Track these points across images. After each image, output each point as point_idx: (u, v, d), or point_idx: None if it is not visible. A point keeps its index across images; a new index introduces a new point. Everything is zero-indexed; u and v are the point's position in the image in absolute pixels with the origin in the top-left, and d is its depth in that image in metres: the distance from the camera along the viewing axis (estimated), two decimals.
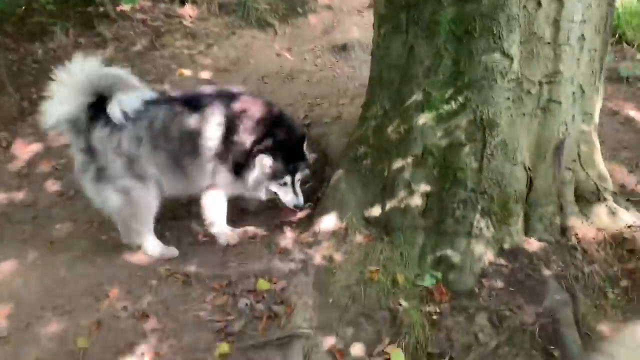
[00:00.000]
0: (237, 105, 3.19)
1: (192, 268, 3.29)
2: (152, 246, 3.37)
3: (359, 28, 7.33)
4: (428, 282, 2.79)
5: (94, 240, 3.70)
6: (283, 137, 3.17)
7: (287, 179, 3.21)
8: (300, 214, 3.64)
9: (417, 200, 3.02)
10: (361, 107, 3.50)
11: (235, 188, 3.32)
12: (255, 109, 3.21)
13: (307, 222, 3.51)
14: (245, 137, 3.15)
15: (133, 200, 3.18)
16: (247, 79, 6.31)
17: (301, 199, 3.29)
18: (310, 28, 7.63)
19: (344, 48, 6.74)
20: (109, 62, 5.03)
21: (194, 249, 3.51)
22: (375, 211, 3.20)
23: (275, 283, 3.07)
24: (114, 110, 2.97)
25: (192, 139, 3.15)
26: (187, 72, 6.21)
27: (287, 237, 3.42)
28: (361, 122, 3.38)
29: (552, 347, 2.45)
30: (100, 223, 3.90)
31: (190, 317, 2.93)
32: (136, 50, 6.62)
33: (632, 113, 4.91)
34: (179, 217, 3.89)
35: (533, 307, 2.60)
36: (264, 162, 3.13)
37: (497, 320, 2.56)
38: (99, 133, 3.04)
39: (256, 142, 3.13)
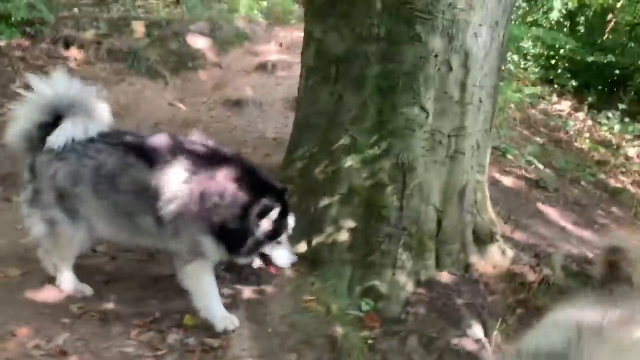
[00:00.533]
0: (206, 163, 2.79)
1: (109, 305, 3.12)
2: (65, 281, 3.14)
3: (250, 87, 7.66)
4: (364, 308, 2.97)
5: None
6: (274, 195, 2.78)
7: (283, 237, 2.85)
8: None
9: (343, 236, 3.24)
10: (287, 149, 3.70)
11: (219, 255, 2.87)
12: (228, 168, 2.79)
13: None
14: (233, 199, 2.72)
15: (57, 233, 2.95)
16: (140, 125, 6.21)
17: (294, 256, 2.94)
18: (201, 83, 7.79)
19: (237, 103, 6.97)
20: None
21: (108, 286, 3.32)
22: (302, 247, 3.35)
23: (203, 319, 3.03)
24: (57, 134, 2.75)
25: (149, 197, 2.76)
26: None
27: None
28: (286, 164, 3.58)
29: None
30: None
31: (115, 353, 2.76)
32: (16, 87, 6.18)
33: (497, 175, 5.73)
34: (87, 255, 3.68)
35: (453, 330, 2.90)
36: (267, 224, 2.74)
37: (426, 342, 2.80)
38: (41, 157, 2.84)
39: (250, 204, 2.71)
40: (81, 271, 3.45)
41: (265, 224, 2.73)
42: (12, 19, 6.93)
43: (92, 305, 3.11)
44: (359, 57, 3.23)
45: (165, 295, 3.24)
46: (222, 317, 2.88)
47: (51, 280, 3.34)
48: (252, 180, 2.79)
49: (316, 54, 3.43)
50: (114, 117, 6.08)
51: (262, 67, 8.41)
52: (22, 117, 2.87)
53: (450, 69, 3.20)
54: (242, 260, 2.91)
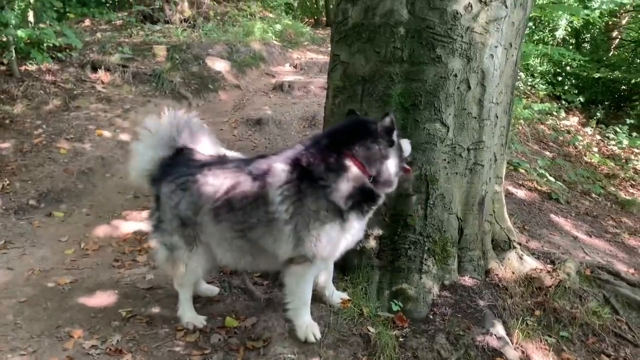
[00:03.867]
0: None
1: (155, 310, 3.36)
2: (181, 310, 3.20)
3: (269, 106, 7.96)
4: (394, 309, 3.19)
5: (39, 287, 3.61)
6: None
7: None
8: None
9: (372, 243, 3.47)
10: None
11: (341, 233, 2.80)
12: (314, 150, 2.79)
13: None
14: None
15: (175, 259, 3.04)
16: None
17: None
18: (222, 103, 8.12)
19: (258, 122, 7.25)
20: None
21: (152, 292, 3.56)
22: None
23: (243, 320, 3.26)
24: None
25: (263, 209, 2.74)
26: (106, 133, 6.24)
27: (246, 280, 3.64)
28: None
29: (498, 358, 2.95)
30: (41, 271, 3.81)
31: (165, 352, 2.99)
32: (48, 109, 6.54)
33: (511, 188, 5.95)
34: (129, 264, 3.94)
35: (478, 328, 3.11)
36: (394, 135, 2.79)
37: (453, 339, 3.00)
38: (165, 187, 2.96)
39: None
40: (125, 280, 3.72)
41: (394, 136, 2.77)
42: (44, 45, 7.30)
43: (139, 310, 3.35)
44: (384, 77, 3.48)
45: (207, 299, 3.47)
46: (305, 325, 2.93)
47: (99, 286, 3.60)
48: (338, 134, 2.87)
49: (343, 75, 3.68)
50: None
51: (279, 87, 8.74)
52: (149, 152, 3.06)
53: (469, 87, 3.45)
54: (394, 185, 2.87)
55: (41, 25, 7.89)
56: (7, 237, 4.32)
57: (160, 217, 3.03)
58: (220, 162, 3.04)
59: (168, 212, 2.96)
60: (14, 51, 6.79)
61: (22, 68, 7.19)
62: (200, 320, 3.19)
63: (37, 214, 4.76)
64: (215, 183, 2.84)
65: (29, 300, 3.42)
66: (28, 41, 7.06)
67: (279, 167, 2.77)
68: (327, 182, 2.69)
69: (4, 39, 6.71)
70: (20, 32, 6.58)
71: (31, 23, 8.19)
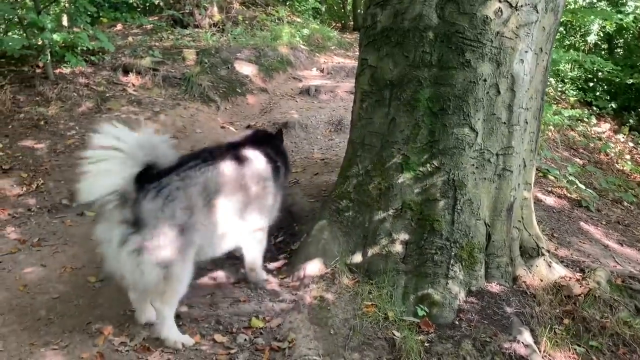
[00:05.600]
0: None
1: (182, 309, 3.40)
2: (167, 329, 3.03)
3: (296, 110, 8.00)
4: (419, 314, 3.18)
5: (71, 284, 3.69)
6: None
7: None
8: (277, 264, 3.95)
9: (398, 248, 3.46)
10: (341, 167, 3.97)
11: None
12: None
13: (287, 270, 3.81)
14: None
15: (171, 275, 2.92)
16: (196, 146, 6.58)
17: None
18: (249, 106, 8.19)
19: (285, 126, 7.27)
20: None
21: None
22: (357, 257, 3.59)
23: (269, 321, 3.28)
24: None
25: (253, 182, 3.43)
26: None
27: (272, 282, 3.67)
28: (342, 180, 3.82)
29: None
30: (73, 268, 3.90)
31: (192, 351, 3.03)
32: (81, 111, 6.69)
33: (540, 195, 5.86)
34: None
35: (505, 335, 3.07)
36: None
37: (480, 346, 2.98)
38: (149, 205, 2.83)
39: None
40: None
41: None
42: (78, 48, 7.48)
43: None
44: (412, 81, 3.49)
45: (233, 300, 3.51)
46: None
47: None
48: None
49: (371, 79, 3.70)
50: (172, 139, 6.55)
51: (306, 91, 8.78)
52: (114, 171, 2.79)
53: (498, 92, 3.43)
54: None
55: (75, 29, 8.09)
56: (41, 234, 4.43)
57: (145, 237, 2.81)
58: (179, 164, 3.05)
59: (160, 226, 2.84)
60: (49, 54, 6.97)
61: (57, 71, 7.38)
62: (188, 339, 3.06)
63: (70, 213, 4.87)
64: (198, 180, 3.06)
65: (61, 297, 3.51)
66: (63, 45, 7.25)
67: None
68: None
69: (40, 42, 6.89)
70: (55, 36, 6.75)
71: (65, 27, 8.38)
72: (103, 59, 7.95)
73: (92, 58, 7.79)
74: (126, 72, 7.81)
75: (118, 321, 3.27)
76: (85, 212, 4.87)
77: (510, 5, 3.29)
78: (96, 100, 6.95)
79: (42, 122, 6.26)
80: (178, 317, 3.31)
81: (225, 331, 3.20)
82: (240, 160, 3.38)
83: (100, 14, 8.62)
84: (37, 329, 3.16)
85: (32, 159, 5.60)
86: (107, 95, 7.16)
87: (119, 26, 10.63)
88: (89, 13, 7.76)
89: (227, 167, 3.27)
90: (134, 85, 7.63)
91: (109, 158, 2.79)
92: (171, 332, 3.03)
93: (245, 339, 3.13)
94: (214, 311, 3.38)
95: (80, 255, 4.13)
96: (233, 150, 3.44)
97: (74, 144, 5.95)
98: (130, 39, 9.50)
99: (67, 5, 8.57)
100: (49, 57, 7.00)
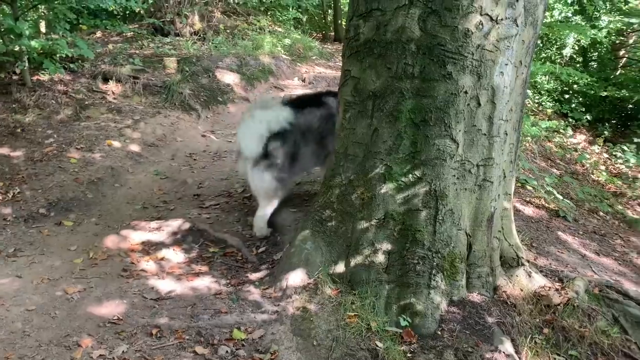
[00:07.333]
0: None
1: (162, 320, 3.36)
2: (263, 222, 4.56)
3: None
4: (402, 324, 3.19)
5: (48, 295, 3.62)
6: None
7: None
8: (259, 274, 3.93)
9: (380, 258, 3.47)
10: (324, 177, 3.97)
11: None
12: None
13: (269, 280, 3.79)
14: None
15: (281, 187, 4.45)
16: (176, 155, 6.54)
17: None
18: (231, 115, 8.18)
19: None
20: None
21: (160, 303, 3.57)
22: (340, 268, 3.58)
23: (251, 332, 3.25)
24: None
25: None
26: (115, 144, 6.28)
27: (254, 292, 3.65)
28: (325, 190, 3.82)
29: None
30: (50, 279, 3.83)
31: None
32: (59, 119, 6.60)
33: (518, 205, 5.94)
34: (139, 273, 3.95)
35: (486, 345, 3.09)
36: None
37: (462, 356, 2.99)
38: (273, 144, 4.35)
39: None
40: (133, 290, 3.73)
41: None
42: (56, 55, 7.38)
43: (147, 320, 3.36)
44: (394, 93, 3.51)
45: (214, 311, 3.48)
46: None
47: (107, 296, 3.61)
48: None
49: (354, 90, 3.72)
50: (152, 147, 6.49)
51: None
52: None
53: (479, 104, 3.47)
54: None
55: (54, 36, 7.98)
56: (17, 245, 4.35)
57: (270, 162, 4.34)
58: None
59: (280, 157, 4.37)
60: (27, 61, 6.87)
61: (35, 78, 7.27)
62: (267, 232, 4.58)
63: (47, 222, 4.78)
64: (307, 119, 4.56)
65: (38, 309, 3.44)
66: (41, 51, 7.14)
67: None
68: None
69: (17, 49, 6.78)
70: (33, 43, 6.65)
71: (44, 34, 8.26)
72: (82, 67, 7.86)
73: (71, 65, 7.70)
74: (106, 79, 7.73)
75: (97, 333, 3.21)
76: (63, 222, 4.79)
77: (491, 19, 3.34)
78: (75, 108, 6.86)
79: (18, 130, 6.16)
80: (158, 328, 3.28)
81: (207, 343, 3.17)
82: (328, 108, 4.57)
83: (80, 21, 8.51)
84: (13, 342, 3.09)
85: (9, 167, 5.49)
86: (86, 103, 7.08)
87: (99, 33, 10.53)
88: (68, 20, 7.66)
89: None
90: (113, 93, 7.56)
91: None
92: (262, 222, 4.54)
93: (227, 351, 3.09)
94: (195, 322, 3.33)
95: (58, 266, 4.05)
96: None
97: (52, 152, 5.86)
98: (110, 46, 9.42)
99: (45, 12, 8.47)
100: (27, 64, 6.89)
